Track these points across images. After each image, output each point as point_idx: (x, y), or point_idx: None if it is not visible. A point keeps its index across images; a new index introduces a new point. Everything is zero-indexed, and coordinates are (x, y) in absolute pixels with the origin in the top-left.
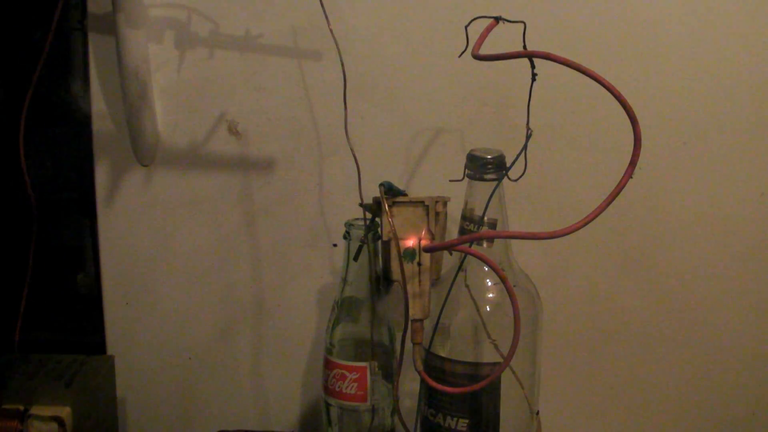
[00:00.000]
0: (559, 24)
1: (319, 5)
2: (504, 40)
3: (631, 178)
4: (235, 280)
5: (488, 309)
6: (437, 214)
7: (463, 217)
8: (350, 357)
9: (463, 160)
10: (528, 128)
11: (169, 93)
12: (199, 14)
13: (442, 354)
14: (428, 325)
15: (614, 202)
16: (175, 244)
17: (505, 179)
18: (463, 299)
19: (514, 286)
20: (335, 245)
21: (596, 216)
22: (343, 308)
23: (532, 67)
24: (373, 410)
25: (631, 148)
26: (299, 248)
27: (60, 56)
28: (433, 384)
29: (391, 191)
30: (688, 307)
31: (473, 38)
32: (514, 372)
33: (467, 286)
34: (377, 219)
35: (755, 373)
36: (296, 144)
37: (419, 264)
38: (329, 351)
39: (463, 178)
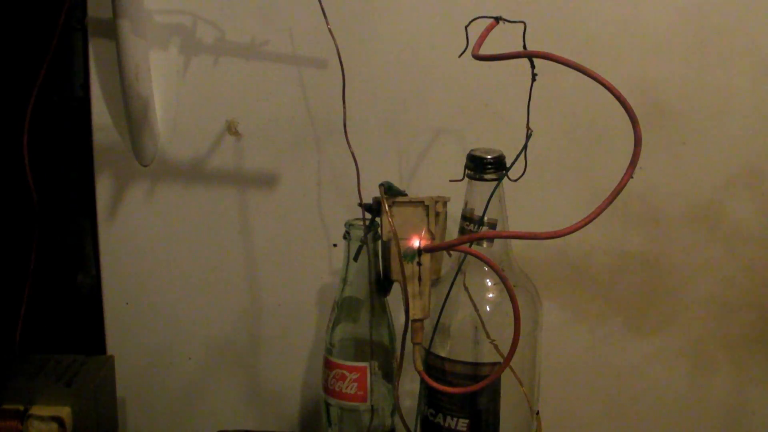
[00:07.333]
0: (559, 24)
1: (324, 10)
2: (504, 40)
3: (632, 177)
4: (235, 280)
5: (488, 309)
6: (437, 214)
7: (463, 217)
8: (350, 357)
9: (463, 160)
10: (528, 128)
11: (171, 98)
12: (205, 21)
13: (442, 354)
14: (428, 325)
15: (614, 202)
16: (175, 245)
17: (505, 179)
18: (462, 299)
19: (514, 286)
20: (335, 245)
21: (596, 216)
22: (343, 308)
23: (532, 67)
24: (373, 410)
25: (631, 148)
26: (299, 248)
27: (61, 56)
28: (433, 384)
29: (391, 191)
30: (689, 307)
31: (473, 38)
32: (514, 372)
33: (466, 287)
34: (377, 219)
35: (754, 372)
36: (296, 144)
37: (419, 264)
38: (329, 351)
39: (463, 178)
